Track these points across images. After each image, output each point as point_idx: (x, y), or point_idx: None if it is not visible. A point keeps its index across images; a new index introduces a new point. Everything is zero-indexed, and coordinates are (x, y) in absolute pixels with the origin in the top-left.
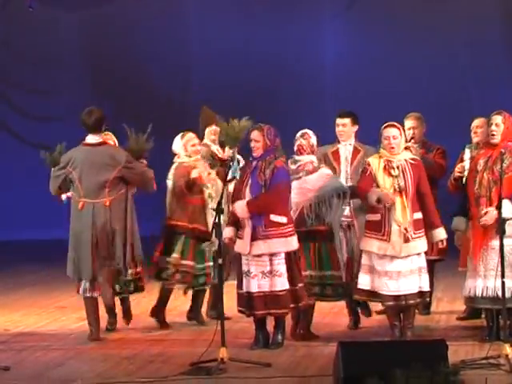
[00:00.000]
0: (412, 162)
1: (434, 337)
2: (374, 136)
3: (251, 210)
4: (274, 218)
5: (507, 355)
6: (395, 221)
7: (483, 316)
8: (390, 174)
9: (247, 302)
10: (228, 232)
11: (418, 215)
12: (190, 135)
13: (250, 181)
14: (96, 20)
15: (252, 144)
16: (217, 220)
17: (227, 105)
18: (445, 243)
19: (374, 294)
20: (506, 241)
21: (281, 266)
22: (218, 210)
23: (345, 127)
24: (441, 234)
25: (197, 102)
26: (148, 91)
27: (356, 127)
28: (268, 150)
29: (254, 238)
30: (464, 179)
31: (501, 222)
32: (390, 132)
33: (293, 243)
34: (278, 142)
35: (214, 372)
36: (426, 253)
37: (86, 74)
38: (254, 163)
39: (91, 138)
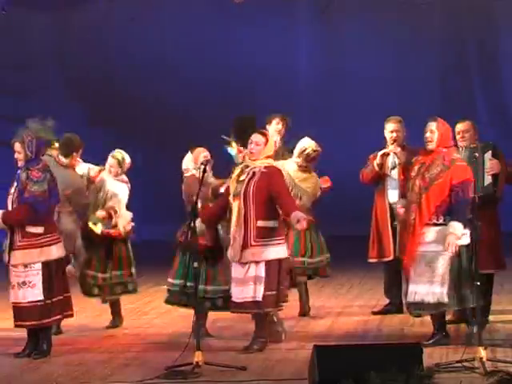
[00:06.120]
0: (264, 170)
1: (408, 340)
2: (349, 138)
3: (6, 222)
4: (29, 228)
5: (481, 358)
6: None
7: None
8: (238, 180)
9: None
10: None
11: (264, 223)
12: (200, 149)
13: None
14: (70, 22)
15: (15, 155)
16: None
17: (203, 107)
18: (304, 223)
19: None
20: (430, 246)
21: (35, 276)
22: (194, 213)
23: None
24: (297, 215)
25: (171, 107)
26: (122, 95)
27: None
28: (29, 161)
29: (11, 248)
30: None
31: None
32: (253, 137)
33: (51, 252)
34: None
35: (190, 376)
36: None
37: (59, 76)
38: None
39: None
